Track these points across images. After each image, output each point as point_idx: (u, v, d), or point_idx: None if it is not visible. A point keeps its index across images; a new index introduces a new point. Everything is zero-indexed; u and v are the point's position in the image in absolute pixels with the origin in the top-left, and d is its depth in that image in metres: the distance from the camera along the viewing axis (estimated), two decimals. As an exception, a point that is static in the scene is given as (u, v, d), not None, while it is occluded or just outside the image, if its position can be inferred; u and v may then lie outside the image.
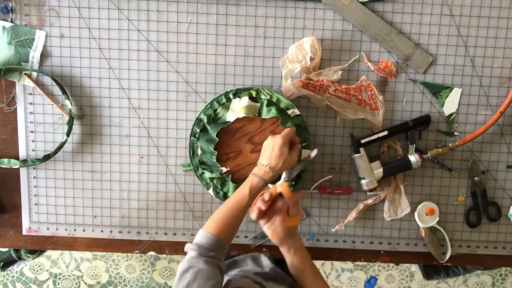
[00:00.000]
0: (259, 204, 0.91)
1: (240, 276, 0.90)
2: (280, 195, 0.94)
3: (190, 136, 1.07)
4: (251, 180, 0.93)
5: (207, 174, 1.09)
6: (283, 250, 0.93)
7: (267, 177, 0.92)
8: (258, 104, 1.05)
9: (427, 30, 1.09)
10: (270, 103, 1.04)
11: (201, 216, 1.19)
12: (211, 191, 1.10)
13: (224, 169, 1.08)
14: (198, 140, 1.06)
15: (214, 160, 1.07)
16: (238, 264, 1.06)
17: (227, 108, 1.05)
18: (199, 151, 1.07)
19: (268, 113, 1.04)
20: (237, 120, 1.05)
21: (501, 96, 1.12)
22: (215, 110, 1.05)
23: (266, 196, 0.91)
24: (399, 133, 1.11)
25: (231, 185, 1.09)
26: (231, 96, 1.04)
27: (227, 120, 1.05)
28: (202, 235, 0.86)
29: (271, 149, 0.94)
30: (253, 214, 0.92)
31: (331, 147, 1.15)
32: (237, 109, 1.04)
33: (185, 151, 1.15)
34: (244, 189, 0.91)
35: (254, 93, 1.04)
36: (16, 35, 1.10)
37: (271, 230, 0.92)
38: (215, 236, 0.85)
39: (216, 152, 1.06)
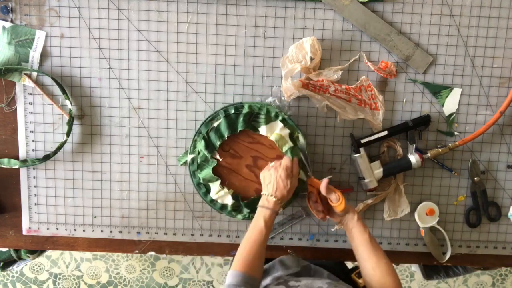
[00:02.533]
0: (315, 208, 1.05)
1: (274, 284, 0.92)
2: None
3: (221, 109, 1.08)
4: (263, 213, 0.98)
5: (201, 145, 1.09)
6: (344, 227, 1.03)
7: (277, 208, 1.00)
8: (289, 143, 1.07)
9: (427, 30, 1.09)
10: (296, 151, 1.08)
11: (201, 216, 1.19)
12: (190, 156, 1.11)
13: (217, 155, 1.09)
14: (224, 117, 1.07)
15: (218, 144, 1.08)
16: (268, 272, 1.07)
17: (268, 121, 1.07)
18: (216, 124, 1.08)
19: (287, 154, 1.07)
20: (264, 136, 1.08)
21: (501, 96, 1.12)
22: (258, 113, 1.07)
23: (314, 198, 1.04)
24: (399, 133, 1.11)
25: (208, 170, 1.09)
26: (280, 117, 1.07)
27: (259, 129, 1.07)
28: (231, 275, 0.90)
29: (275, 182, 1.00)
30: (320, 218, 1.05)
31: (331, 147, 1.15)
32: (274, 130, 1.07)
33: (185, 151, 1.15)
34: (259, 223, 0.97)
35: (296, 134, 1.08)
36: (16, 35, 1.10)
37: (330, 217, 1.05)
38: (243, 273, 0.89)
39: (226, 139, 1.08)
